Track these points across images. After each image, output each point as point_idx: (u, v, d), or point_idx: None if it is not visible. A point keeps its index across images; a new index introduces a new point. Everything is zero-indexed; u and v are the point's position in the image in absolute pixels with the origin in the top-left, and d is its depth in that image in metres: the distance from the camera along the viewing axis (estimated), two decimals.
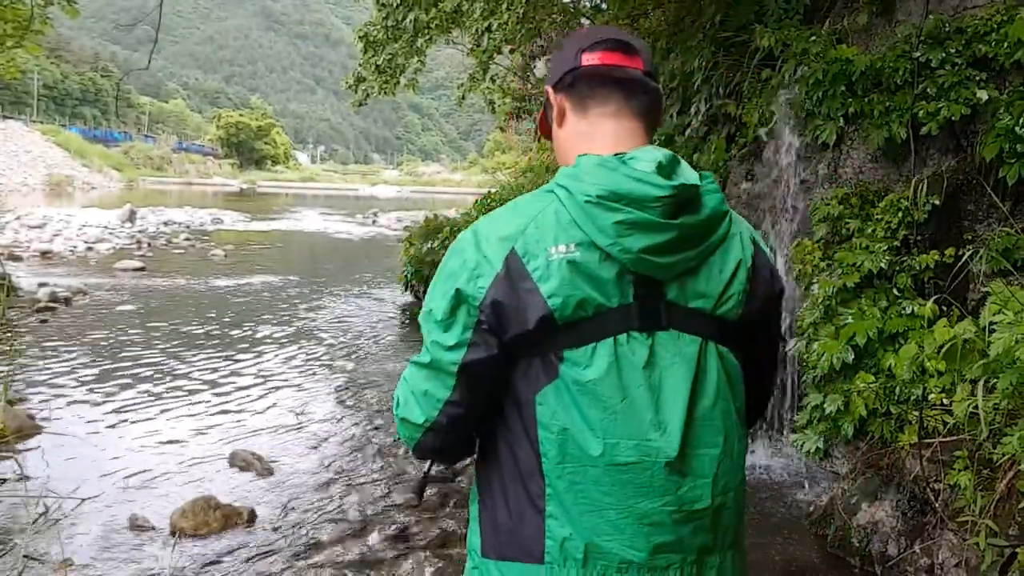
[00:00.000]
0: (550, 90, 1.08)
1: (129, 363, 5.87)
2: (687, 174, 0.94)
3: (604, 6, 9.20)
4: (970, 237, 3.56)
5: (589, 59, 1.01)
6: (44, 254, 12.27)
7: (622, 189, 0.89)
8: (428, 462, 1.14)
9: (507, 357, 0.93)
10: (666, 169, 0.92)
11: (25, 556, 2.84)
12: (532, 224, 0.92)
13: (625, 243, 0.89)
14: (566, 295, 0.89)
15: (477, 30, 8.39)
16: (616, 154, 0.94)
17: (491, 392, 0.96)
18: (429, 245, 9.45)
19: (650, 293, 0.92)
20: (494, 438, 0.98)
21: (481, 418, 0.98)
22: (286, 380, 5.71)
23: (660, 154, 0.93)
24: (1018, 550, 2.36)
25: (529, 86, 12.19)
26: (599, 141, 1.00)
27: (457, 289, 0.93)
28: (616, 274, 0.90)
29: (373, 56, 9.45)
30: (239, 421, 4.71)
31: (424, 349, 0.97)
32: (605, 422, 0.89)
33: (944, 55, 3.56)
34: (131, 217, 18.67)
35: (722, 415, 0.95)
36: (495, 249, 0.92)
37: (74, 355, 5.99)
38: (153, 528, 3.22)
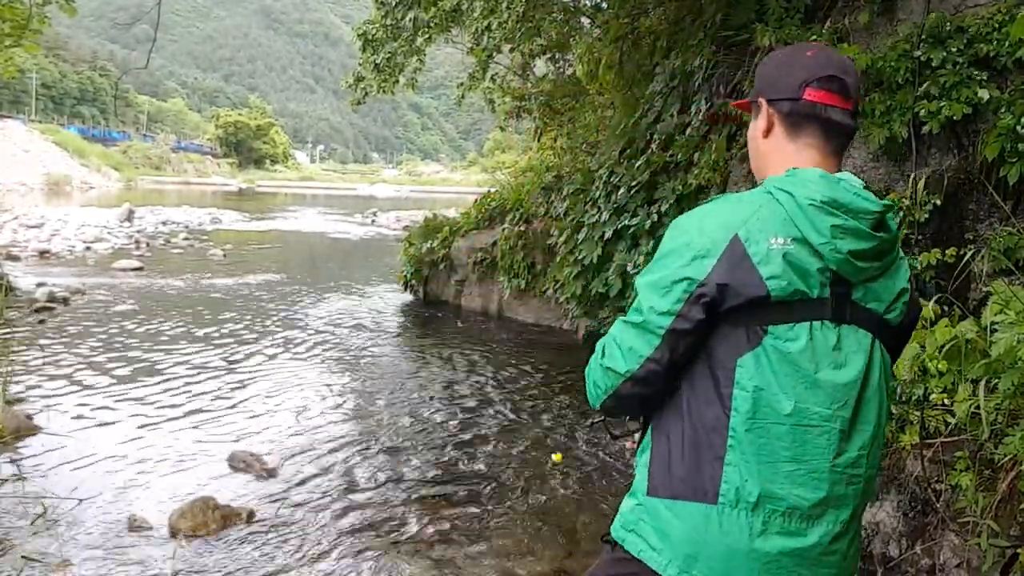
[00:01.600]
0: (764, 102, 1.21)
1: (127, 363, 5.86)
2: (877, 199, 1.12)
3: (604, 5, 9.19)
4: (971, 237, 3.55)
5: (811, 96, 1.15)
6: (42, 254, 12.25)
7: (843, 199, 1.07)
8: (602, 418, 1.35)
9: (712, 326, 1.08)
10: (866, 192, 1.11)
11: (23, 557, 2.83)
12: (755, 216, 1.08)
13: (838, 244, 1.06)
14: (781, 279, 1.05)
15: (477, 29, 8.38)
16: (831, 173, 1.12)
17: (685, 355, 1.10)
18: (429, 245, 9.45)
19: (842, 291, 1.09)
20: (677, 394, 1.13)
21: (672, 377, 1.12)
22: (285, 380, 5.69)
23: (858, 180, 1.14)
24: (1020, 551, 2.35)
25: (529, 85, 12.18)
26: (803, 162, 1.16)
27: (680, 265, 1.08)
28: (818, 270, 1.07)
29: (372, 55, 9.45)
30: (238, 421, 4.69)
31: (635, 311, 1.14)
32: (798, 388, 1.06)
33: (945, 54, 3.55)
34: (129, 217, 18.66)
35: (878, 400, 1.13)
36: (719, 234, 1.08)
37: (72, 355, 5.98)
38: (152, 529, 3.21)
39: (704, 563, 1.06)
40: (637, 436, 1.28)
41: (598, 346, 1.22)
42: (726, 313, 1.06)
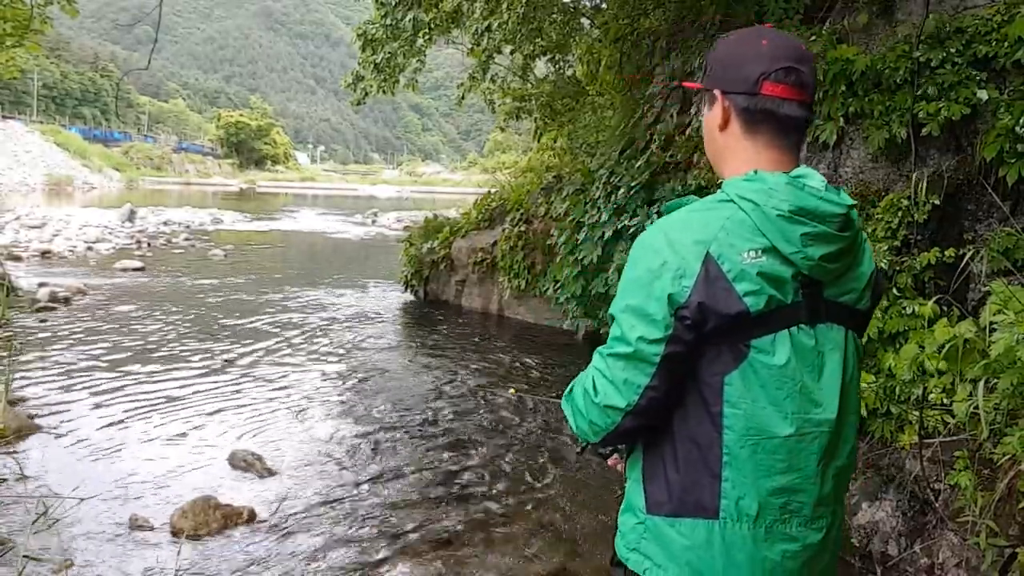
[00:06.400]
0: (719, 93, 1.17)
1: (129, 363, 5.87)
2: (841, 193, 1.13)
3: (604, 6, 9.20)
4: (970, 237, 3.56)
5: (768, 90, 1.11)
6: (44, 254, 12.26)
7: (810, 206, 1.06)
8: (585, 446, 1.29)
9: (696, 346, 1.07)
10: (828, 189, 1.10)
11: (25, 556, 2.83)
12: (722, 230, 1.06)
13: (808, 252, 1.06)
14: (759, 294, 1.04)
15: (477, 30, 8.39)
16: (792, 174, 1.10)
17: (682, 377, 1.09)
18: (429, 245, 9.46)
19: (813, 292, 1.09)
20: (667, 415, 1.12)
21: (672, 400, 1.10)
22: (286, 380, 5.70)
23: (820, 176, 1.11)
24: (1018, 550, 2.36)
25: (529, 86, 12.19)
26: (762, 161, 1.14)
27: (661, 287, 1.05)
28: (791, 276, 1.07)
29: (372, 55, 9.46)
30: (239, 421, 4.70)
31: (619, 341, 1.09)
32: (787, 400, 1.06)
33: (944, 55, 3.56)
34: (131, 217, 18.67)
35: (856, 388, 1.17)
36: (692, 252, 1.05)
37: (74, 355, 5.99)
38: (153, 528, 3.22)
39: None
40: (626, 454, 1.26)
41: (578, 384, 1.18)
42: (711, 332, 1.05)
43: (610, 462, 1.35)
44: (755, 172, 1.10)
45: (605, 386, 1.11)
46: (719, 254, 1.04)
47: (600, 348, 1.14)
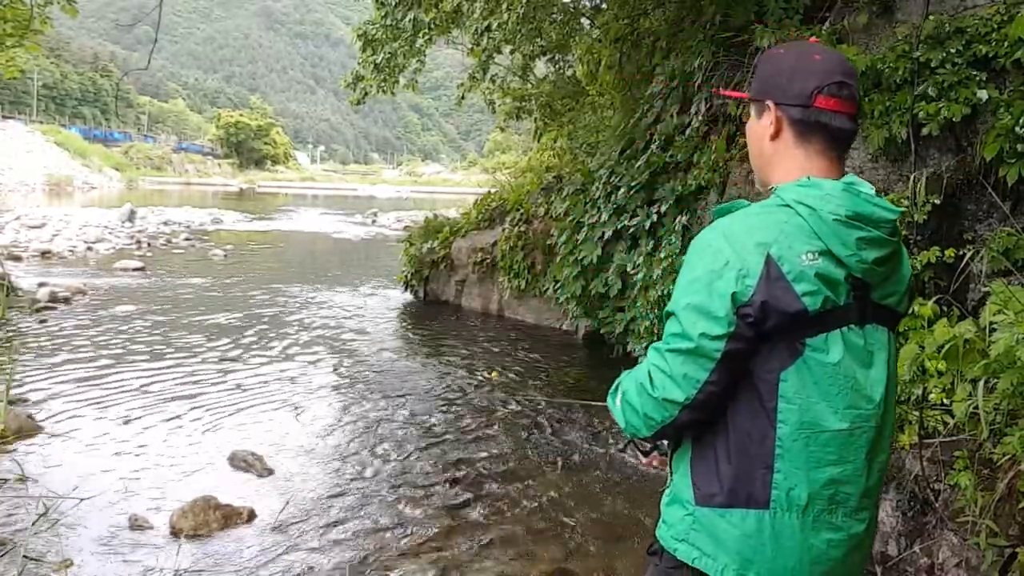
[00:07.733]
0: (772, 104, 1.21)
1: (129, 363, 5.87)
2: (888, 203, 1.18)
3: (604, 6, 9.20)
4: (970, 237, 3.56)
5: (823, 103, 1.16)
6: (44, 254, 12.27)
7: (865, 211, 1.12)
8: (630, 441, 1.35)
9: (757, 343, 1.11)
10: (879, 196, 1.17)
11: (25, 556, 2.84)
12: (781, 233, 1.11)
13: (863, 255, 1.11)
14: (816, 295, 1.09)
15: (477, 30, 8.40)
16: (846, 181, 1.16)
17: (739, 373, 1.13)
18: (429, 245, 9.46)
19: (862, 294, 1.14)
20: (720, 410, 1.16)
21: (727, 395, 1.14)
22: (286, 380, 5.70)
23: (868, 185, 1.18)
24: (1018, 550, 2.36)
25: (529, 86, 12.20)
26: (813, 169, 1.19)
27: (724, 286, 1.09)
28: (844, 279, 1.12)
29: (372, 55, 9.46)
30: (239, 421, 4.70)
31: (679, 338, 1.13)
32: (839, 396, 1.12)
33: (944, 55, 3.56)
34: (131, 217, 18.67)
35: (895, 386, 1.22)
36: (754, 252, 1.10)
37: (74, 355, 5.99)
38: (153, 528, 3.22)
39: (760, 564, 1.12)
40: (666, 451, 1.31)
41: (629, 381, 1.22)
42: (771, 330, 1.09)
43: (645, 460, 1.39)
44: (808, 178, 1.15)
45: (663, 380, 1.14)
46: (779, 256, 1.09)
47: (656, 344, 1.18)
